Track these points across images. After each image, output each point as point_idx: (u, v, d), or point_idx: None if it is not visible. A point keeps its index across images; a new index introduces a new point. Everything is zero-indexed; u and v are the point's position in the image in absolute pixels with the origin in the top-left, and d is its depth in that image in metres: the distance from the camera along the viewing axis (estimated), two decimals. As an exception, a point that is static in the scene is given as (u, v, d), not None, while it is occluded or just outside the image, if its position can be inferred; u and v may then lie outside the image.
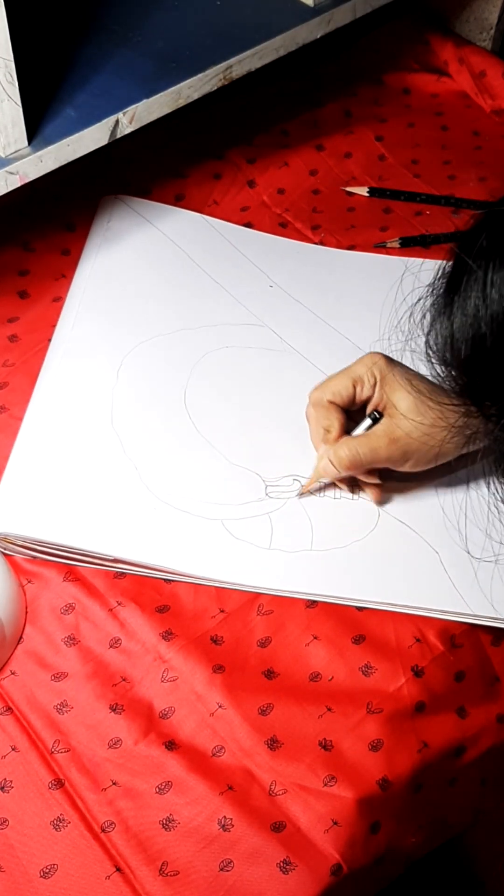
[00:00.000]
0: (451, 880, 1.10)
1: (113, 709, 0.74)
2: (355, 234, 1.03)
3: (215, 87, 0.90)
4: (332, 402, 0.80)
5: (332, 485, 0.84)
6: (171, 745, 0.73)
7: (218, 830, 0.70)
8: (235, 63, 0.90)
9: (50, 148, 0.81)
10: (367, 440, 0.79)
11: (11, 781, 0.71)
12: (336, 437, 0.80)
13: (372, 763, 0.73)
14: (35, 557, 0.80)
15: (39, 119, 0.82)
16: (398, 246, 1.02)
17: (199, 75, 0.88)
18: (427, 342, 0.55)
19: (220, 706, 0.74)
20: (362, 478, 0.82)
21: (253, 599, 0.79)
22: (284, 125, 1.13)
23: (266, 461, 0.85)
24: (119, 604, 0.78)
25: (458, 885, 1.11)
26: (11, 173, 0.80)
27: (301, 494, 0.83)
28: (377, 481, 0.82)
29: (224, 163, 1.08)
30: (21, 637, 0.77)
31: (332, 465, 0.79)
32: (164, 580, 0.80)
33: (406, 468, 0.80)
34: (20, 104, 0.77)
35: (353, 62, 1.20)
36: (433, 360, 0.55)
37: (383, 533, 0.81)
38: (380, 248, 1.02)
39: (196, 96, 0.89)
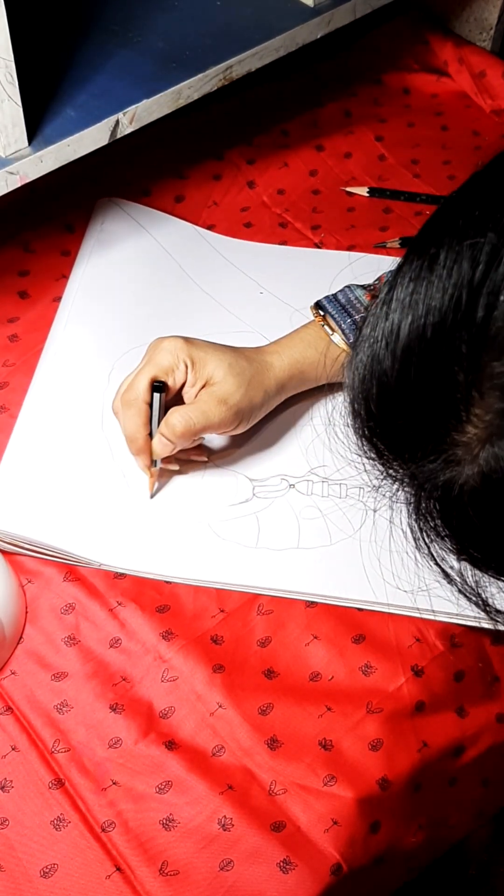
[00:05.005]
0: (451, 880, 1.10)
1: (113, 708, 0.74)
2: (355, 234, 1.03)
3: (215, 87, 0.90)
4: (147, 403, 0.79)
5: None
6: (171, 744, 0.73)
7: (218, 830, 0.70)
8: (235, 63, 0.90)
9: (50, 148, 0.81)
10: (197, 405, 0.79)
11: (11, 781, 0.71)
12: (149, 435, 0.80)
13: (372, 762, 0.73)
14: (26, 554, 0.80)
15: (40, 119, 0.82)
16: (398, 246, 1.02)
17: (199, 75, 0.88)
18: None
19: (220, 706, 0.74)
20: (193, 456, 0.84)
21: (253, 599, 0.79)
22: (284, 125, 1.13)
23: (253, 462, 0.85)
24: (119, 604, 0.78)
25: (459, 885, 1.11)
26: (12, 173, 0.80)
27: (152, 494, 0.83)
28: (205, 459, 0.84)
29: (224, 163, 1.08)
30: (21, 637, 0.77)
31: (165, 437, 0.79)
32: (164, 581, 0.80)
33: (240, 429, 0.82)
34: (20, 104, 0.77)
35: (352, 62, 1.20)
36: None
37: (371, 532, 0.81)
38: (380, 248, 1.02)
39: (196, 96, 0.89)
